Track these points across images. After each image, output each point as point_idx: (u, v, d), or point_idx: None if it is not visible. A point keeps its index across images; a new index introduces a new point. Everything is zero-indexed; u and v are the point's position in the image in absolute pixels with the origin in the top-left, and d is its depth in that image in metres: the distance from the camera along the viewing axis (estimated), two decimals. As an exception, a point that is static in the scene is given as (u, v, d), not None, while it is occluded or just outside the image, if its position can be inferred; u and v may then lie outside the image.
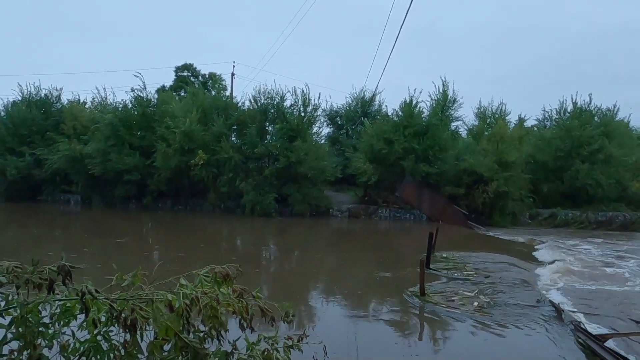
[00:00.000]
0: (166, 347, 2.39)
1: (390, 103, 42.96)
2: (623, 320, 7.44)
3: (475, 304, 7.26)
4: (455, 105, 24.03)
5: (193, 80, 36.99)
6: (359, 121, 28.65)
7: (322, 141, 27.34)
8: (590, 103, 24.99)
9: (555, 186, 24.22)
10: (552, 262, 12.76)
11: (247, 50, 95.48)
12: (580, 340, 5.70)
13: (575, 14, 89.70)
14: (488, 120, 26.21)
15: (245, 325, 2.50)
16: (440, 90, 23.82)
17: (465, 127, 27.94)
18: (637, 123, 30.90)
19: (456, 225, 20.65)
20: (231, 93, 33.91)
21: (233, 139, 24.36)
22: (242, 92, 52.06)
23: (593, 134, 23.37)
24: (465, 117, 27.88)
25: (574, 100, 25.42)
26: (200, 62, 64.05)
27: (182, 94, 31.74)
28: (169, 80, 38.63)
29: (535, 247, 15.87)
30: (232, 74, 35.97)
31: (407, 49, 59.28)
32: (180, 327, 2.33)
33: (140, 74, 24.80)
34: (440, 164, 22.13)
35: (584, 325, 6.47)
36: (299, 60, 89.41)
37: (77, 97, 28.65)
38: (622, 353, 4.99)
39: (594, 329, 6.54)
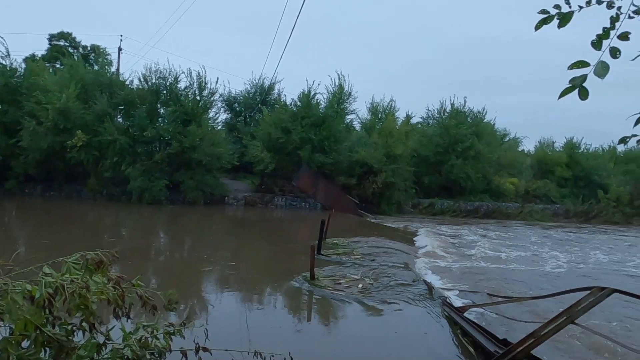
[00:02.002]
0: (26, 343, 2.16)
1: (290, 93, 43.42)
2: (481, 294, 8.66)
3: (360, 285, 7.79)
4: (350, 99, 25.15)
5: (72, 51, 32.89)
6: (257, 109, 28.38)
7: (219, 127, 26.59)
8: (464, 105, 28.16)
9: (434, 178, 26.89)
10: (429, 246, 14.22)
11: (137, 24, 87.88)
12: (445, 312, 6.49)
13: (454, 24, 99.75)
14: (379, 115, 27.98)
15: (120, 314, 2.37)
16: (337, 84, 24.70)
17: (359, 120, 29.48)
18: (501, 125, 35.69)
19: (348, 214, 21.77)
20: (118, 69, 31.00)
21: (119, 120, 22.39)
22: (131, 70, 47.77)
23: (466, 133, 26.38)
24: (359, 111, 29.45)
25: (451, 102, 28.40)
26: (81, 33, 57.08)
27: (58, 66, 28.11)
28: (40, 49, 33.88)
29: (416, 233, 17.50)
30: (119, 49, 32.84)
31: (308, 41, 60.19)
32: (44, 320, 2.13)
33: (2, 38, 21.34)
34: (335, 155, 23.04)
35: (449, 299, 7.37)
36: (195, 41, 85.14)
37: None
38: (475, 320, 5.81)
39: (457, 302, 7.49)
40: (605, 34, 1.43)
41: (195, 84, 22.48)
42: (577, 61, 1.44)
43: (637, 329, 6.46)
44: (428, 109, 31.88)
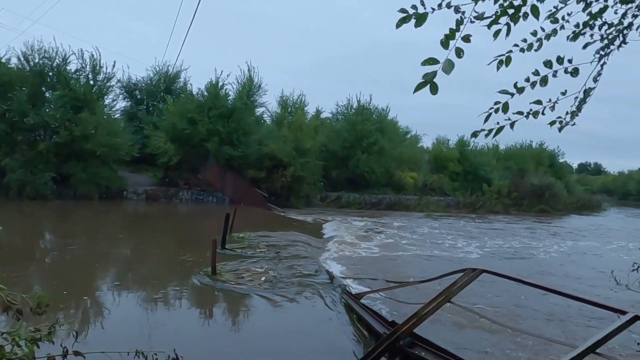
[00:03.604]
0: None
1: (198, 82, 41.29)
2: (380, 280, 9.18)
3: (263, 279, 7.78)
4: (260, 91, 24.92)
5: None
6: (161, 97, 26.74)
7: (117, 116, 24.61)
8: (370, 102, 29.50)
9: (342, 172, 27.82)
10: (335, 237, 14.71)
11: (17, -5, 77.07)
12: (343, 300, 6.77)
13: (364, 24, 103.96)
14: (289, 109, 28.10)
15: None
16: (247, 75, 24.27)
17: (269, 114, 29.31)
18: (404, 123, 38.11)
19: (257, 207, 21.60)
20: (-9, 45, 27.00)
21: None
22: (7, 46, 41.71)
23: (371, 129, 27.69)
24: (269, 104, 29.15)
25: (358, 99, 29.57)
26: (-56, -1, 48.43)
27: None
28: None
29: (323, 225, 17.98)
30: (-6, 22, 28.61)
31: (218, 30, 58.13)
32: None
33: None
34: (244, 148, 22.66)
35: (349, 287, 7.69)
36: (88, 18, 77.20)
37: None
38: (368, 305, 6.16)
39: (357, 289, 7.84)
40: (452, 34, 1.58)
41: (88, 67, 20.52)
42: (428, 58, 1.56)
43: (503, 304, 7.36)
44: (337, 105, 32.80)
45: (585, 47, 2.23)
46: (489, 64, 2.37)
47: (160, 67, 28.90)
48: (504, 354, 5.09)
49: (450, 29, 1.58)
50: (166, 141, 21.98)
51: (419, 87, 1.60)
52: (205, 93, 23.42)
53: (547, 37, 2.40)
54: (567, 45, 2.51)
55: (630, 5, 2.05)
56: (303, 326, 6.01)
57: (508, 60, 2.31)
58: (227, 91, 23.69)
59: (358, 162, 27.25)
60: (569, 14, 2.33)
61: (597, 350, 2.81)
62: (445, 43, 1.58)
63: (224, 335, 5.66)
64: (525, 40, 2.42)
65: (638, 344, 3.51)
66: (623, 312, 2.86)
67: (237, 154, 22.31)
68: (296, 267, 9.17)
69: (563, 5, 2.22)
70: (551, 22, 2.39)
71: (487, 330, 5.79)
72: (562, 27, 2.41)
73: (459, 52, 1.57)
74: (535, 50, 2.43)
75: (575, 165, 67.70)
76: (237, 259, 9.88)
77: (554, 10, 2.33)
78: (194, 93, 24.38)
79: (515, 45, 2.40)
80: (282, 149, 23.04)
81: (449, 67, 1.50)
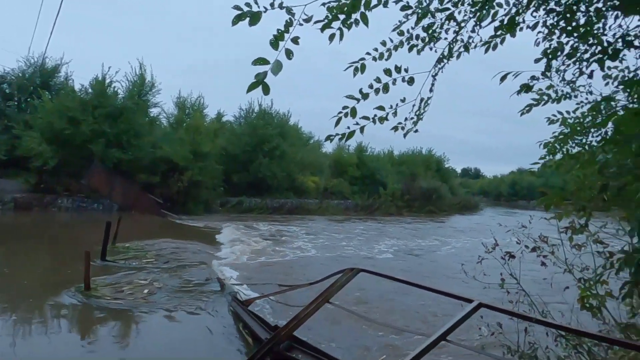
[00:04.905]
0: None
1: (82, 78, 37.39)
2: (273, 285, 9.11)
3: (146, 291, 7.24)
4: (154, 90, 23.45)
5: None
6: (36, 92, 23.67)
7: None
8: (272, 107, 29.52)
9: (243, 176, 27.37)
10: (231, 244, 14.33)
11: None
12: (231, 307, 6.57)
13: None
14: (187, 111, 26.88)
15: None
16: (138, 73, 22.66)
17: (165, 115, 27.70)
18: (306, 128, 38.83)
19: (150, 214, 20.21)
20: None
21: None
22: None
23: (273, 134, 27.71)
24: (164, 104, 27.45)
25: (259, 103, 29.41)
26: None
27: None
28: None
29: (220, 231, 17.43)
30: None
31: (105, 23, 53.52)
32: None
33: None
34: (135, 151, 21.08)
35: (240, 295, 7.50)
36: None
37: None
38: (260, 311, 6.06)
39: (248, 295, 7.68)
40: (281, 35, 1.57)
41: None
42: (259, 58, 1.53)
43: (382, 302, 7.81)
44: (240, 108, 32.27)
45: (419, 53, 2.41)
46: (345, 70, 2.46)
47: (36, 59, 25.63)
48: (376, 349, 5.35)
49: (279, 30, 1.57)
50: (41, 142, 19.53)
51: (251, 88, 1.56)
52: (90, 90, 21.34)
53: (395, 47, 2.57)
54: (414, 57, 2.71)
55: (456, 23, 2.27)
56: (185, 340, 5.69)
57: (363, 68, 2.41)
58: (115, 89, 21.90)
59: (260, 166, 27.06)
60: (412, 28, 2.52)
61: (448, 338, 3.05)
62: (274, 44, 1.57)
63: (92, 356, 5.11)
64: (376, 50, 2.56)
65: (480, 329, 3.92)
66: (470, 301, 3.15)
67: (127, 157, 20.67)
68: (185, 277, 8.70)
69: (405, 20, 2.39)
70: (398, 34, 2.56)
71: (365, 328, 6.05)
72: (408, 40, 2.60)
73: (289, 54, 1.56)
74: (386, 60, 2.58)
75: (459, 170, 75.25)
76: (121, 270, 9.09)
77: (399, 24, 2.50)
78: (77, 89, 22.06)
79: (368, 53, 2.52)
80: (178, 152, 21.92)
81: (277, 68, 1.48)
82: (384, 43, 2.50)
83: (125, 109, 21.26)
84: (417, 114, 2.41)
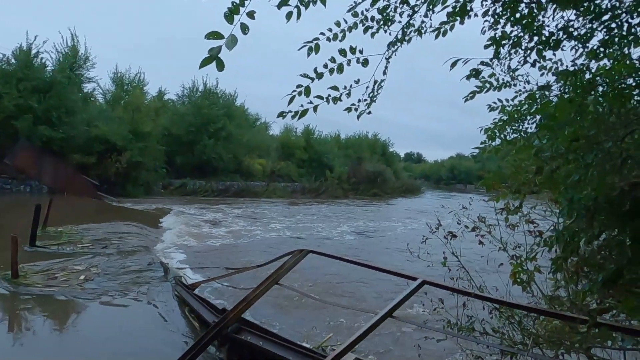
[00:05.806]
0: None
1: (2, 48, 33.66)
2: (220, 268, 8.98)
3: (82, 277, 6.85)
4: (88, 64, 21.81)
5: None
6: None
7: None
8: (217, 86, 28.57)
9: (187, 158, 26.43)
10: (175, 227, 13.89)
11: None
12: (176, 291, 6.40)
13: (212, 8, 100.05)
14: (125, 87, 25.31)
15: None
16: (69, 44, 20.91)
17: (102, 91, 25.92)
18: (253, 110, 38.07)
19: (85, 197, 19.01)
20: None
21: None
22: None
23: (218, 114, 26.90)
24: (99, 79, 25.54)
25: (204, 82, 28.34)
26: None
27: None
28: None
29: (163, 214, 16.82)
30: None
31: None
32: None
33: None
34: (67, 129, 19.60)
35: (185, 279, 7.31)
36: None
37: None
38: (207, 295, 5.97)
39: (194, 280, 7.51)
40: (236, 9, 1.51)
41: None
42: (212, 32, 1.46)
43: (332, 282, 8.01)
44: (183, 87, 30.91)
45: (373, 36, 2.43)
46: (299, 49, 2.41)
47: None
48: (325, 328, 5.48)
49: (234, 3, 1.50)
50: (-45, 117, 17.59)
51: (204, 63, 1.49)
52: (13, 60, 19.41)
53: (349, 29, 2.56)
54: (369, 40, 2.72)
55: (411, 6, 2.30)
56: (126, 327, 5.47)
57: (317, 48, 2.38)
58: (43, 60, 20.08)
59: (205, 147, 26.25)
60: (367, 10, 2.53)
61: (394, 314, 3.18)
62: (229, 17, 1.50)
63: (17, 352, 4.76)
64: (330, 30, 2.53)
65: (423, 304, 4.13)
66: (414, 279, 3.29)
67: (58, 135, 19.18)
68: (126, 262, 8.34)
69: (361, 1, 2.39)
70: (352, 15, 2.55)
71: (314, 308, 6.17)
72: (363, 21, 2.60)
73: (244, 28, 1.50)
74: (340, 41, 2.57)
75: (402, 154, 77.77)
76: (53, 257, 8.51)
77: (354, 4, 2.49)
78: (-3, 60, 20.00)
79: (322, 33, 2.49)
80: (116, 132, 20.67)
81: (231, 42, 1.42)
82: (338, 24, 2.48)
83: (55, 82, 19.60)
84: (370, 95, 2.44)
